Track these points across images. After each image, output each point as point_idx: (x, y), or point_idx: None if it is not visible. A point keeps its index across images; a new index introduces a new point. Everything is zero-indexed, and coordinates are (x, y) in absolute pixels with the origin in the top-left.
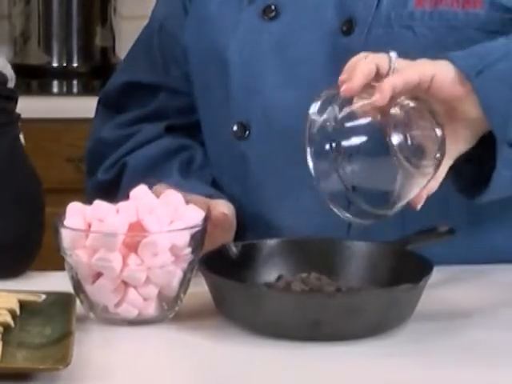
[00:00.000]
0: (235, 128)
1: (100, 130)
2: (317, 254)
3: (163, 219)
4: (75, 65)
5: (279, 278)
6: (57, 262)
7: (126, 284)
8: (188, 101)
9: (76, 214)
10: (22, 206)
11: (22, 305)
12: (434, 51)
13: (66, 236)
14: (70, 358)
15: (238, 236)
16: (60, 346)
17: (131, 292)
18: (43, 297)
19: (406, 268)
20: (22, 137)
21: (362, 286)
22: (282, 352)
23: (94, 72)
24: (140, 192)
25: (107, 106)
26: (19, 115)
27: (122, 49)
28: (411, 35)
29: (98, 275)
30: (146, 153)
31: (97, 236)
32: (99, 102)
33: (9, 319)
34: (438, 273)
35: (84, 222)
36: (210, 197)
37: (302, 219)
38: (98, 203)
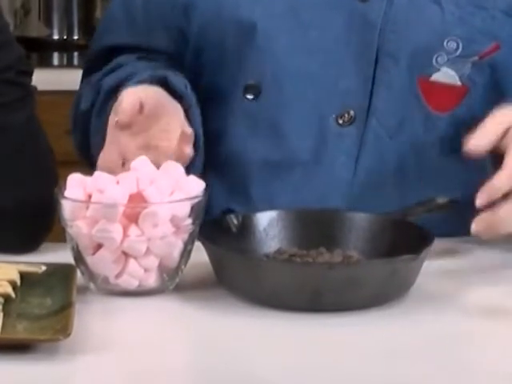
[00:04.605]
0: (246, 90)
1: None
2: (317, 225)
3: (164, 190)
4: (76, 37)
5: (279, 249)
6: (57, 233)
7: (126, 255)
8: (168, 63)
9: (76, 185)
10: (39, 178)
11: (23, 276)
12: (458, 28)
13: (66, 207)
14: (70, 329)
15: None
16: (60, 317)
17: (132, 263)
18: (44, 268)
19: (406, 239)
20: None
21: (362, 256)
22: (283, 322)
23: None
24: (140, 163)
25: (88, 76)
26: (35, 88)
27: None
28: (438, 10)
29: (99, 246)
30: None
31: (97, 207)
32: (83, 75)
33: (9, 290)
34: (438, 244)
35: (84, 193)
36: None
37: (301, 192)
38: (99, 174)
